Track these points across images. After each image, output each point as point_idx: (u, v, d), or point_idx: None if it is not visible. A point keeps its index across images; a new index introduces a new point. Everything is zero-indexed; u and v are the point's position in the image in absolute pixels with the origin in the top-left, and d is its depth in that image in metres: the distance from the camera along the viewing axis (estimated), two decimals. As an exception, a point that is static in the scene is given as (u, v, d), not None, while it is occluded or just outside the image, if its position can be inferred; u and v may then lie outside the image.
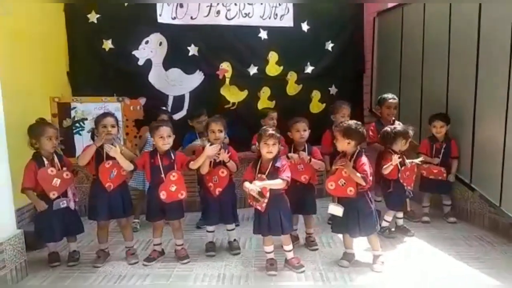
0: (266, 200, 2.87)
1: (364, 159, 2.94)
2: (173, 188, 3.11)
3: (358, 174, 2.84)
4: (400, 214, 3.71)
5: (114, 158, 3.10)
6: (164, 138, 3.08)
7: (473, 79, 3.73)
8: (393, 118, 4.04)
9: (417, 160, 3.59)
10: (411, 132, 3.50)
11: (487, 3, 3.55)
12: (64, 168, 3.14)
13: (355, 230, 2.96)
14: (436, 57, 4.27)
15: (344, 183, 2.92)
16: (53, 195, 3.04)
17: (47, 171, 3.04)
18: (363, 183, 2.86)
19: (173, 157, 3.16)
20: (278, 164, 2.89)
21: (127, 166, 3.12)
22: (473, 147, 3.81)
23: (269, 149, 2.87)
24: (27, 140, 3.04)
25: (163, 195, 3.08)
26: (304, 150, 3.32)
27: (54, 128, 3.15)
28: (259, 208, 2.90)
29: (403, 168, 3.46)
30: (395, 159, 3.31)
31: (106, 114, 3.21)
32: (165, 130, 3.09)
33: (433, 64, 4.34)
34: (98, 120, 3.15)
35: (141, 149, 4.02)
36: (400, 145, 3.47)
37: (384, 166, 3.38)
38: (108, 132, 3.08)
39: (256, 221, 2.99)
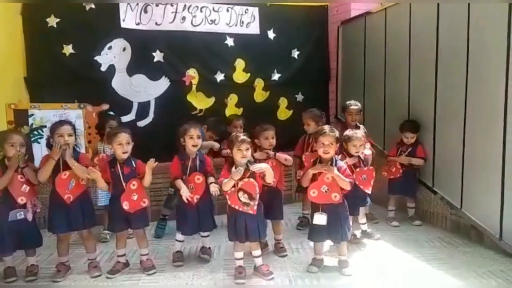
0: (256, 203, 2.86)
1: (343, 164, 3.02)
2: (135, 197, 3.00)
3: (345, 178, 2.87)
4: (363, 220, 3.74)
5: (70, 168, 2.96)
6: (123, 146, 2.97)
7: (433, 86, 3.87)
8: (357, 123, 4.12)
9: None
10: (354, 136, 3.43)
11: (445, 13, 3.71)
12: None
13: (338, 236, 2.97)
14: (397, 65, 4.40)
15: (328, 189, 2.90)
16: (21, 200, 2.91)
17: (17, 177, 2.90)
18: (348, 188, 2.90)
19: (134, 165, 3.06)
20: (254, 169, 2.88)
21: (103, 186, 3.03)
22: (434, 151, 3.94)
23: (243, 154, 2.86)
24: None
25: (126, 206, 2.97)
26: (270, 155, 3.33)
27: (18, 135, 3.01)
28: (250, 212, 2.86)
29: (358, 169, 3.48)
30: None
31: (62, 122, 3.03)
32: (124, 137, 2.99)
33: (395, 71, 4.47)
34: (54, 128, 2.98)
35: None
36: (350, 148, 3.46)
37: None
38: (65, 142, 2.93)
39: (232, 228, 2.93)
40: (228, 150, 2.99)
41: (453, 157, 3.66)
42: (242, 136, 2.90)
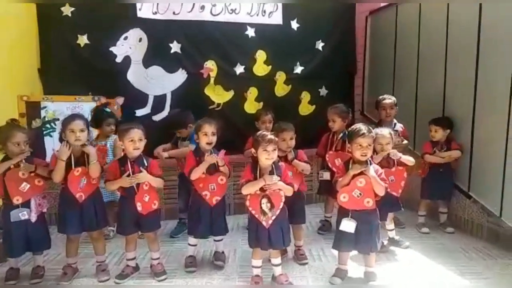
0: (274, 217, 2.64)
1: (379, 167, 2.76)
2: (146, 199, 2.84)
3: (381, 182, 2.63)
4: (391, 226, 3.47)
5: (83, 165, 2.80)
6: (135, 142, 2.79)
7: (473, 81, 3.54)
8: (393, 119, 3.84)
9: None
10: (379, 134, 3.13)
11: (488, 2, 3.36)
12: (32, 174, 2.82)
13: (367, 246, 2.72)
14: (432, 57, 4.07)
15: (360, 194, 2.65)
16: (16, 200, 2.74)
17: (18, 173, 2.75)
18: (383, 193, 2.64)
19: (146, 164, 2.87)
20: (279, 171, 2.69)
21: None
22: (472, 152, 3.61)
23: (269, 155, 2.63)
24: None
25: (139, 207, 2.81)
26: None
27: (22, 132, 2.84)
28: (264, 223, 2.64)
29: (384, 170, 3.20)
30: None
31: (74, 117, 2.86)
32: (136, 133, 2.80)
33: (429, 65, 4.14)
34: (66, 122, 2.81)
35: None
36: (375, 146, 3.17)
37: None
38: (77, 138, 2.76)
39: (253, 234, 2.71)
40: (253, 150, 2.73)
41: (493, 159, 3.34)
42: (270, 136, 2.65)
